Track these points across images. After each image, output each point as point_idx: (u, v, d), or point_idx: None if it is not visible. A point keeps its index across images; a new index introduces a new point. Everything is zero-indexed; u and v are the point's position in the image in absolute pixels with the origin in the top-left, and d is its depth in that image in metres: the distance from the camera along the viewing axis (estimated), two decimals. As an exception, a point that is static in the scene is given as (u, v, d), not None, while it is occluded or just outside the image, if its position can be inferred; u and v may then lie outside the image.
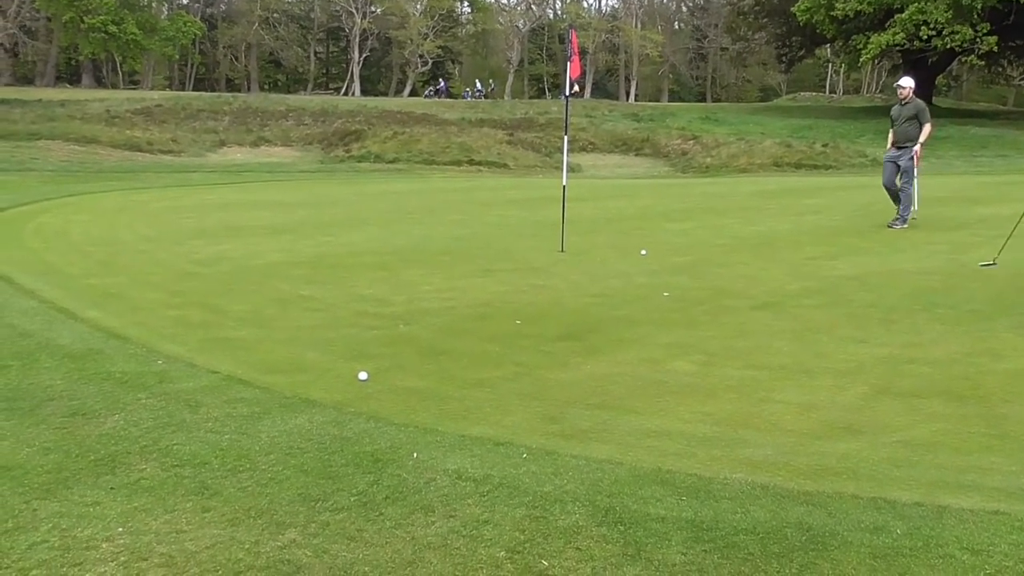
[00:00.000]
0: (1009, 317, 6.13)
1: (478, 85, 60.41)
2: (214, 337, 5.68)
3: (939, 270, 8.12)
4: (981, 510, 3.11)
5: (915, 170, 11.30)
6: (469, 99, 52.59)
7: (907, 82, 11.70)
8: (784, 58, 58.05)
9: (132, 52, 51.52)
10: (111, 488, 3.30)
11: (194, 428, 3.94)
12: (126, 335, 5.66)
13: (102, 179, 20.47)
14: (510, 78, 71.80)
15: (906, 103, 11.44)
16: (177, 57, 62.35)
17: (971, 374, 4.76)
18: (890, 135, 11.71)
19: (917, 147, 11.29)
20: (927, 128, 11.34)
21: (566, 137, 10.72)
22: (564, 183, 10.23)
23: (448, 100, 50.78)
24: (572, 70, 9.84)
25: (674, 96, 74.54)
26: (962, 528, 2.99)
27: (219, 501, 3.19)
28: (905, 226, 11.16)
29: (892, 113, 11.70)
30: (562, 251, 9.33)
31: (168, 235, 10.81)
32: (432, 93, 56.75)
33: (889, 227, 11.15)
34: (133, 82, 66.10)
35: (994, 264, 7.12)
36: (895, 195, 11.50)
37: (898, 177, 11.41)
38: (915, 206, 11.39)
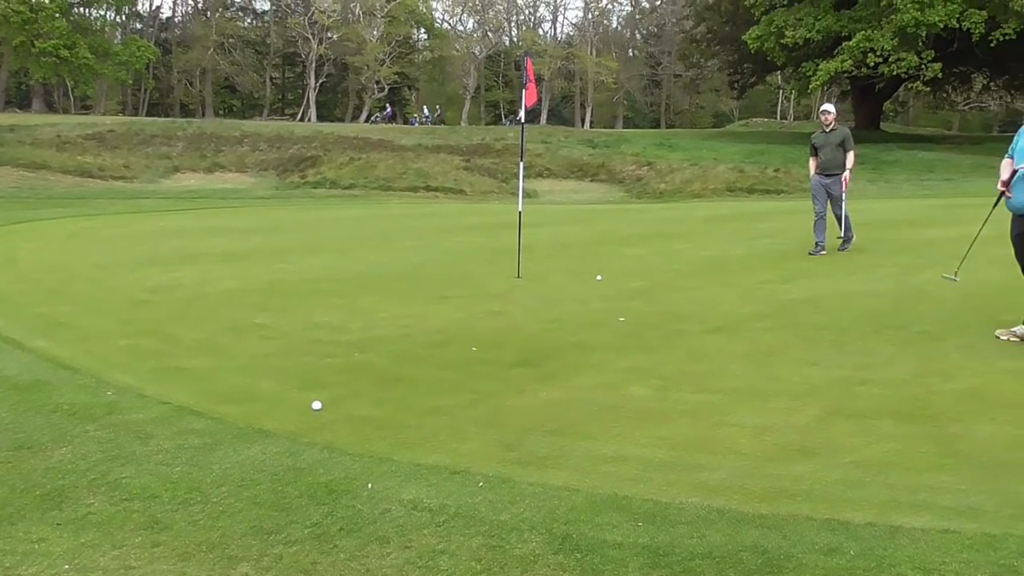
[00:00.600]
0: (957, 338, 6.24)
1: (426, 111, 60.54)
2: (166, 366, 5.60)
3: (889, 292, 8.25)
4: (932, 529, 3.15)
5: (844, 196, 11.34)
6: (417, 125, 52.64)
7: (831, 108, 11.61)
8: (736, 85, 58.94)
9: (84, 77, 50.95)
10: (57, 524, 3.22)
11: (144, 460, 3.87)
12: (75, 365, 5.56)
13: (52, 205, 20.16)
14: (467, 104, 72.11)
15: (831, 130, 11.33)
16: (130, 82, 61.65)
17: (921, 394, 4.83)
18: (812, 162, 11.61)
19: (847, 174, 11.23)
20: (853, 155, 11.30)
21: (522, 163, 10.77)
22: (520, 209, 10.27)
23: (403, 126, 50.76)
24: (528, 97, 9.90)
25: (629, 122, 75.36)
26: (914, 548, 3.02)
27: (169, 535, 3.13)
28: (848, 247, 11.30)
29: (816, 140, 11.53)
30: (519, 277, 9.35)
31: (120, 262, 10.65)
32: (378, 119, 56.64)
33: (840, 250, 11.22)
34: (85, 107, 65.30)
35: (956, 279, 7.27)
36: (824, 223, 11.34)
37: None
38: (849, 232, 11.40)
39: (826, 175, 11.29)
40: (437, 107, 64.87)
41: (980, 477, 3.63)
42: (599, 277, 9.32)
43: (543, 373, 5.41)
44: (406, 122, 58.24)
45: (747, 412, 4.58)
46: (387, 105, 64.46)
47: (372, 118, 58.63)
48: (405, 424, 4.41)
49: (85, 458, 3.89)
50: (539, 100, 68.17)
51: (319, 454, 3.96)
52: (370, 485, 3.58)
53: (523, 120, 10.63)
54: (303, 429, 4.31)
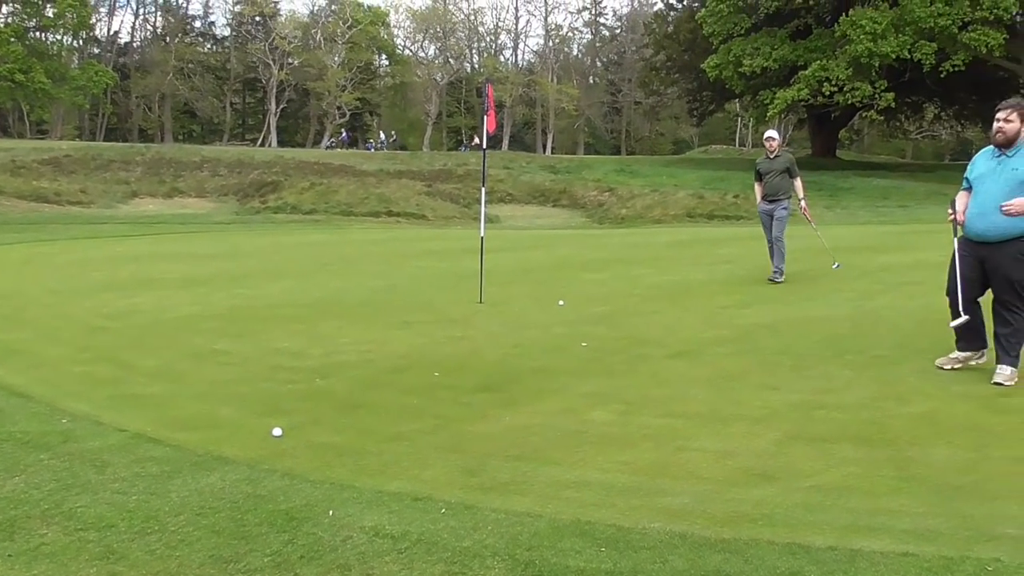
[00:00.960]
0: (913, 362, 6.33)
1: (382, 136, 60.51)
2: (123, 393, 5.51)
3: (847, 317, 8.36)
4: (892, 552, 3.18)
5: (786, 222, 11.20)
6: (373, 150, 52.52)
7: (775, 135, 11.50)
8: (695, 112, 59.74)
9: (40, 101, 50.26)
10: (9, 555, 3.15)
11: (100, 489, 3.80)
12: (29, 393, 5.46)
13: (7, 231, 19.84)
14: (428, 130, 72.32)
15: (775, 156, 11.25)
16: (88, 107, 61.00)
17: (879, 418, 4.89)
18: (757, 188, 11.50)
19: (804, 203, 11.31)
20: (800, 181, 11.25)
21: (484, 189, 10.80)
22: (482, 234, 10.29)
23: (364, 151, 50.66)
24: (489, 124, 9.96)
25: (590, 148, 75.98)
26: (874, 571, 3.04)
27: (125, 566, 3.07)
28: (782, 279, 10.99)
29: (760, 167, 11.42)
30: (481, 302, 9.35)
31: (76, 288, 10.50)
32: (334, 144, 56.48)
33: (770, 281, 11.00)
34: (41, 131, 64.54)
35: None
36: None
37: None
38: (781, 264, 11.10)
39: (769, 201, 11.24)
40: (393, 132, 64.83)
41: (937, 500, 3.67)
42: (561, 302, 9.35)
43: (505, 398, 5.40)
44: (363, 145, 58.09)
45: (709, 437, 4.60)
46: (343, 130, 64.36)
47: (328, 143, 58.42)
48: (366, 450, 4.38)
49: (38, 488, 3.81)
50: (500, 127, 68.59)
51: (279, 481, 3.91)
52: (331, 512, 3.55)
53: (485, 146, 10.68)
54: (263, 456, 4.26)
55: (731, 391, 5.56)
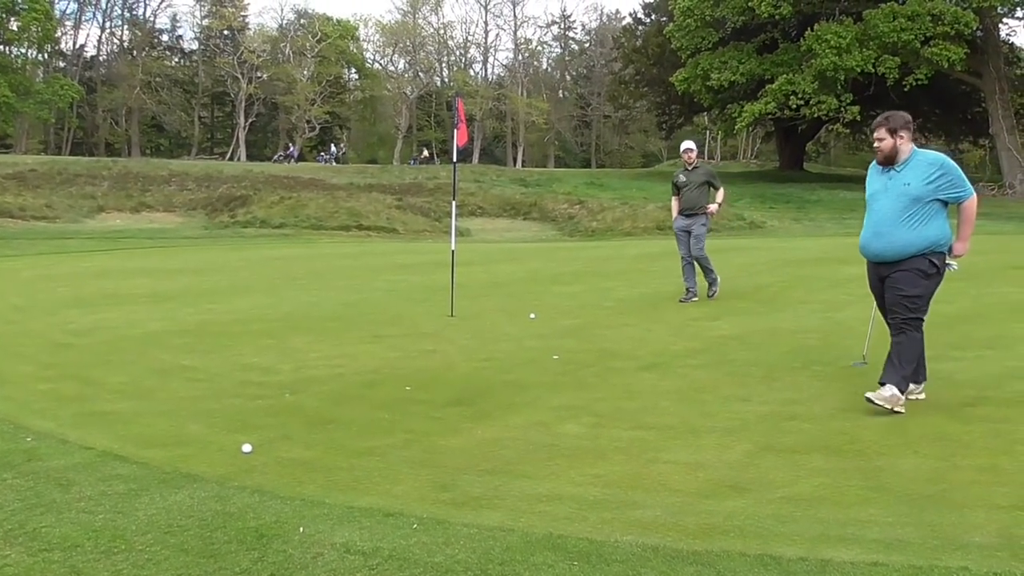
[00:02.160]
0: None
1: (332, 148, 60.10)
2: (89, 411, 5.43)
3: (816, 328, 8.43)
4: (861, 562, 3.19)
5: (705, 239, 10.72)
6: (323, 163, 52.00)
7: (692, 145, 10.94)
8: (664, 125, 60.24)
9: (4, 115, 49.73)
10: (-29, 577, 3.08)
11: (65, 508, 3.74)
12: (-8, 411, 5.36)
13: (-31, 247, 19.55)
14: (399, 144, 72.27)
15: (694, 168, 10.74)
16: (53, 121, 60.40)
17: (848, 429, 4.93)
18: (674, 202, 10.98)
19: (714, 207, 10.69)
20: (722, 192, 10.81)
21: (454, 202, 10.81)
22: (453, 247, 10.28)
23: (336, 165, 50.34)
24: (459, 138, 9.96)
25: (560, 162, 76.29)
26: (844, 581, 3.06)
27: (91, 586, 3.02)
28: (717, 289, 10.78)
29: (678, 180, 10.84)
30: (452, 316, 9.33)
31: (41, 304, 10.36)
32: (281, 158, 55.99)
33: (710, 297, 10.67)
34: (5, 146, 63.73)
35: (865, 363, 6.85)
36: (692, 267, 10.77)
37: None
38: (712, 273, 10.81)
39: (688, 215, 10.72)
40: (342, 144, 64.31)
41: (905, 510, 3.70)
42: (532, 315, 9.36)
43: (477, 412, 5.39)
44: (303, 160, 57.48)
45: (680, 449, 4.61)
46: (289, 144, 63.88)
47: (275, 157, 57.77)
48: (337, 466, 4.34)
49: (1, 508, 3.74)
50: (471, 140, 68.62)
51: (249, 498, 3.87)
52: (301, 529, 3.51)
53: (455, 160, 10.70)
54: (232, 473, 4.21)
55: (702, 403, 5.58)
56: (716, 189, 10.74)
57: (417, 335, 8.26)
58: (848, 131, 49.97)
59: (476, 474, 4.22)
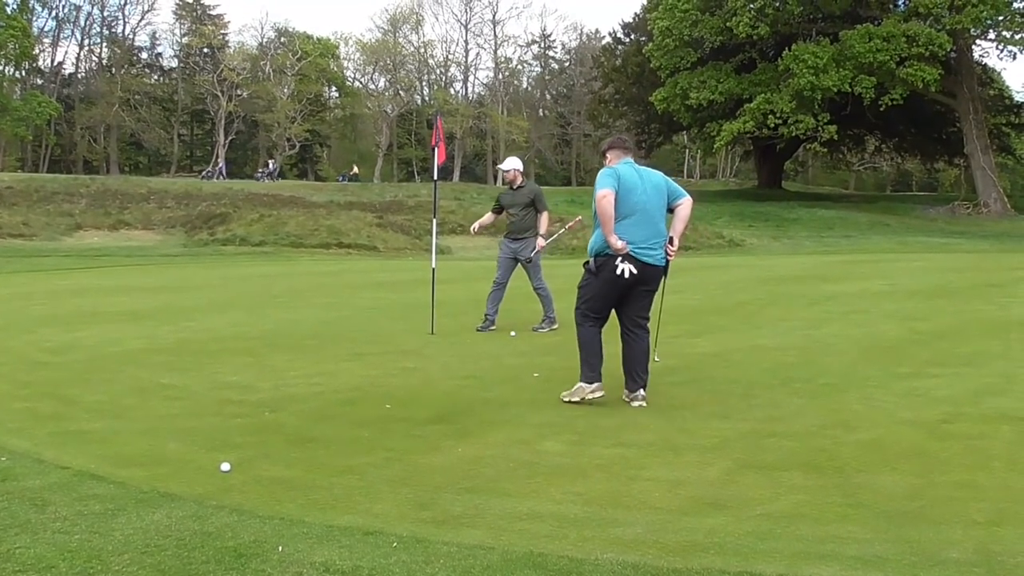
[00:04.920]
0: (859, 389, 6.44)
1: (271, 165, 59.64)
2: (65, 430, 5.38)
3: (795, 345, 8.48)
4: (841, 579, 3.20)
5: (540, 266, 10.06)
6: (261, 180, 50.99)
7: (513, 163, 9.95)
8: (644, 144, 60.45)
9: (-19, 132, 49.46)
10: (-56, 599, 3.04)
11: (40, 529, 3.69)
12: (-34, 431, 5.30)
13: (-56, 264, 19.35)
14: (379, 161, 72.32)
15: (518, 188, 9.84)
16: (31, 138, 60.11)
17: (827, 446, 4.95)
18: (487, 217, 10.44)
19: (542, 241, 9.76)
20: (546, 217, 9.88)
21: (435, 220, 10.80)
22: (434, 265, 10.27)
23: (273, 182, 49.28)
24: (439, 155, 9.97)
25: (540, 180, 76.39)
26: (824, 598, 3.07)
27: (67, 607, 2.98)
28: (556, 326, 9.83)
29: (503, 200, 9.97)
30: (432, 333, 9.32)
31: (16, 323, 10.26)
32: (263, 175, 55.36)
33: (535, 330, 9.79)
34: (-19, 163, 63.23)
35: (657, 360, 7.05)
36: (501, 294, 9.97)
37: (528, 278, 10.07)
38: (551, 309, 10.01)
39: (515, 239, 9.87)
40: (275, 160, 63.74)
41: (883, 527, 3.72)
42: (513, 333, 9.36)
43: (458, 430, 5.38)
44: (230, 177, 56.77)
45: (660, 466, 4.62)
46: (268, 161, 63.44)
47: (204, 173, 56.92)
48: (317, 485, 4.32)
49: (-24, 528, 3.70)
50: (451, 158, 68.75)
51: (227, 517, 3.84)
52: (280, 548, 3.49)
53: (436, 177, 10.71)
54: (210, 492, 4.18)
55: (681, 420, 5.59)
56: (540, 212, 9.85)
57: (397, 353, 8.24)
58: (825, 150, 50.50)
59: (456, 492, 4.21)
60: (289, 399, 6.22)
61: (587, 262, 6.31)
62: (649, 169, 6.43)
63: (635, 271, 6.09)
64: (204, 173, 56.55)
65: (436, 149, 9.98)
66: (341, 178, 59.25)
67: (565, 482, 4.36)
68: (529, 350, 8.34)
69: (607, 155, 6.43)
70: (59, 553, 3.44)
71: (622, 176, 6.15)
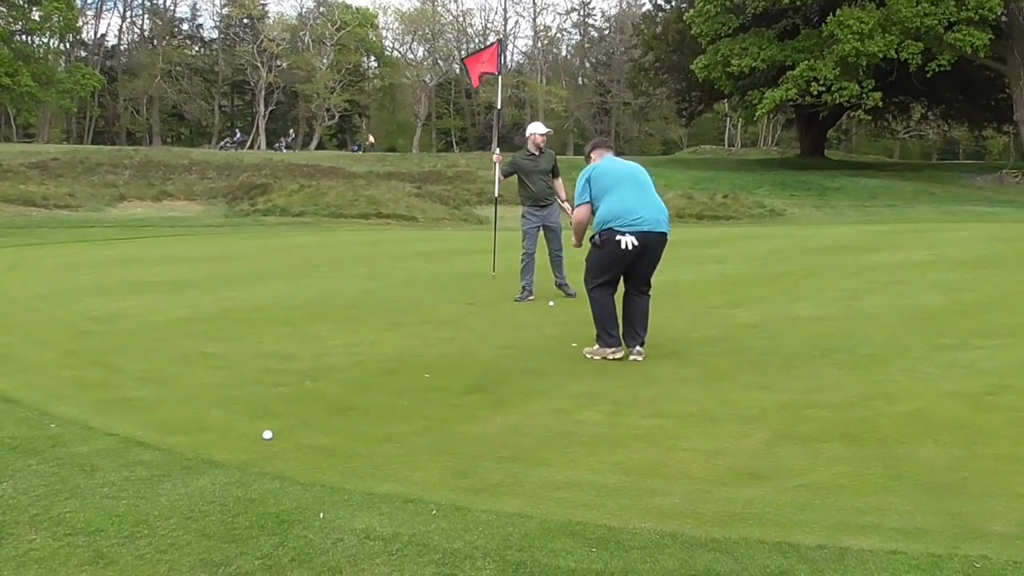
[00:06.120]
0: (901, 360, 6.37)
1: (237, 134, 59.07)
2: (112, 398, 5.49)
3: (836, 316, 8.39)
4: (880, 550, 3.19)
5: (562, 233, 9.75)
6: (225, 149, 50.22)
7: (544, 128, 10.11)
8: (684, 113, 59.86)
9: (27, 105, 50.17)
10: (-2, 561, 3.13)
11: (89, 494, 3.78)
12: (16, 398, 5.43)
13: (-7, 235, 19.74)
14: (418, 132, 72.30)
15: (541, 153, 9.80)
16: (75, 110, 60.85)
17: (868, 417, 4.91)
18: (501, 183, 10.33)
19: (568, 207, 8.67)
20: (561, 182, 9.82)
21: (496, 151, 10.48)
22: (497, 193, 10.25)
23: (240, 151, 48.92)
24: (473, 79, 10.14)
25: (579, 149, 75.91)
26: (863, 569, 3.06)
27: (115, 570, 3.06)
28: (573, 292, 9.56)
29: (524, 166, 9.75)
30: (494, 274, 9.29)
31: (64, 292, 10.46)
32: (229, 144, 54.95)
33: (569, 295, 9.65)
34: (28, 135, 64.31)
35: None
36: (534, 263, 9.78)
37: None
38: (564, 275, 9.83)
39: (541, 206, 9.72)
40: (237, 131, 63.14)
41: (925, 498, 3.69)
42: (552, 303, 9.36)
43: (496, 399, 5.40)
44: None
45: (699, 437, 4.61)
46: (237, 131, 63.18)
47: (223, 144, 56.64)
48: (357, 453, 4.37)
49: (27, 493, 3.79)
50: (487, 128, 68.50)
51: (269, 484, 3.91)
52: (321, 515, 3.54)
53: (500, 107, 10.82)
54: (253, 459, 4.25)
55: (721, 391, 5.57)
56: (556, 177, 9.85)
57: (436, 323, 8.28)
58: (870, 118, 49.64)
59: (495, 461, 4.24)
60: (329, 368, 6.29)
61: (593, 236, 6.60)
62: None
63: (637, 243, 6.37)
64: (223, 144, 56.40)
65: (482, 67, 10.12)
66: (355, 148, 59.02)
67: (603, 452, 4.37)
68: (568, 319, 8.34)
69: (591, 156, 7.00)
70: (107, 517, 3.52)
71: (597, 167, 6.71)
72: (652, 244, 6.50)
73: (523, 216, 9.99)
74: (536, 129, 10.08)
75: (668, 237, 6.62)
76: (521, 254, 9.93)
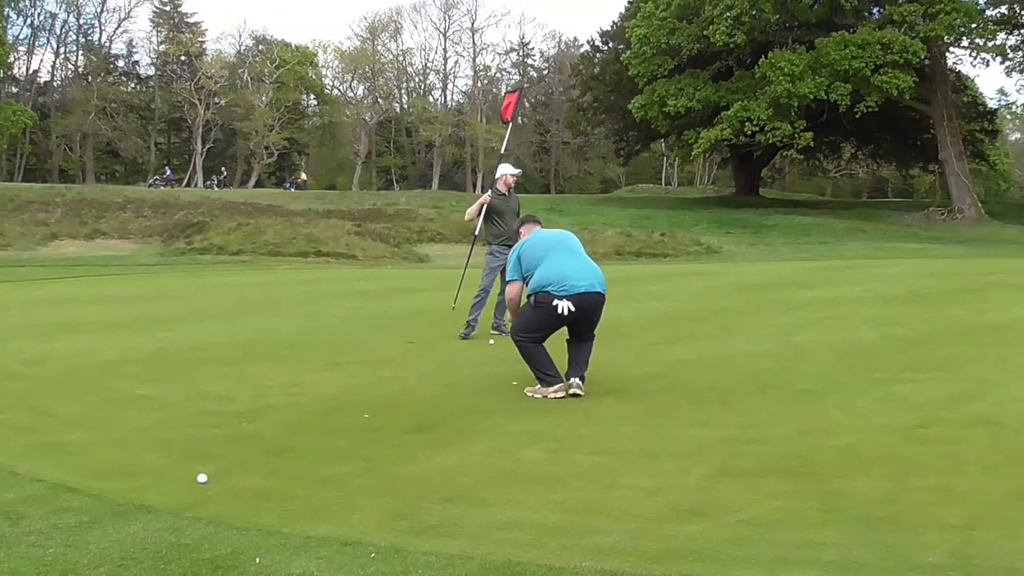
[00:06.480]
0: (836, 394, 6.48)
1: (167, 172, 58.36)
2: (40, 442, 5.32)
3: (772, 352, 8.52)
4: (818, 585, 3.22)
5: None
6: (153, 187, 49.42)
7: (511, 169, 10.15)
8: (622, 152, 60.78)
9: (-45, 141, 48.97)
10: (-84, 615, 3.00)
11: (14, 543, 3.65)
12: (-61, 444, 5.24)
13: (-83, 275, 19.13)
14: (358, 170, 72.19)
15: (511, 194, 10.03)
16: (5, 147, 59.56)
17: (804, 452, 4.98)
18: (480, 222, 10.01)
19: None
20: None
21: (489, 193, 10.11)
22: (476, 231, 10.08)
23: (173, 189, 48.04)
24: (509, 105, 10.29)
25: (520, 188, 75.91)
26: (801, 604, 3.08)
27: (41, 622, 2.95)
28: (473, 332, 9.79)
29: (497, 206, 9.87)
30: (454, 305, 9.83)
31: (-9, 334, 10.15)
32: (158, 182, 53.75)
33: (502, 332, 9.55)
34: (-44, 172, 62.65)
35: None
36: (485, 302, 9.94)
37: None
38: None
39: (508, 245, 9.20)
40: (167, 169, 62.00)
41: (861, 531, 3.74)
42: (492, 341, 9.36)
43: (437, 439, 5.37)
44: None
45: (639, 474, 4.63)
46: (165, 168, 62.37)
47: (151, 182, 55.22)
48: (294, 495, 4.30)
49: (-51, 543, 3.65)
50: (428, 166, 68.60)
51: (204, 529, 3.82)
52: (258, 560, 3.47)
53: (503, 150, 11.08)
54: (187, 504, 4.15)
55: (660, 427, 5.61)
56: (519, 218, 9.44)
57: (376, 361, 8.22)
58: (802, 157, 50.93)
59: (435, 502, 4.20)
60: (267, 409, 6.19)
61: (529, 296, 6.67)
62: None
63: (573, 309, 6.43)
64: (152, 182, 54.93)
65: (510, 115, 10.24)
66: (288, 185, 58.24)
67: (544, 491, 4.36)
68: (508, 357, 8.31)
69: (520, 231, 7.37)
70: (34, 567, 3.40)
71: (525, 243, 6.92)
72: (589, 306, 6.58)
73: (490, 254, 9.95)
74: (507, 170, 10.18)
75: (604, 297, 6.71)
76: (478, 290, 9.95)
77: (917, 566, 3.38)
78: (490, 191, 10.18)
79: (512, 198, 10.09)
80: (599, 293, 6.63)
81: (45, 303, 13.86)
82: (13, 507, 4.09)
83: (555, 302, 6.43)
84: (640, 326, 10.60)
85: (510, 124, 10.99)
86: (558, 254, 6.69)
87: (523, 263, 6.80)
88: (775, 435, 5.36)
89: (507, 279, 6.90)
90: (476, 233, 10.31)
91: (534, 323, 6.62)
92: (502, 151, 10.85)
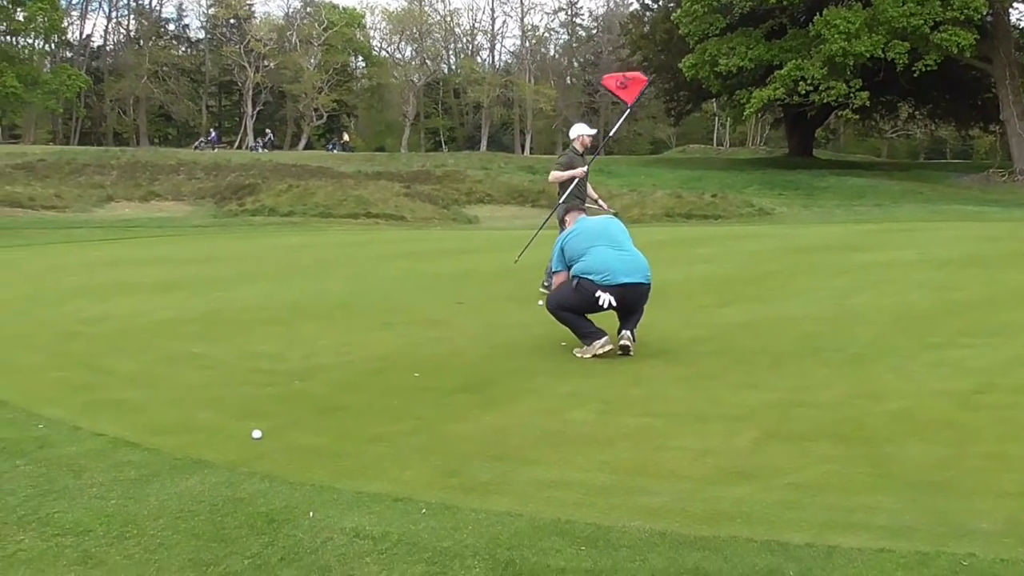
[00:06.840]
0: (889, 359, 6.39)
1: (212, 134, 57.80)
2: (99, 399, 5.47)
3: (824, 315, 8.42)
4: (868, 548, 3.20)
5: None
6: (199, 149, 49.10)
7: (587, 129, 10.08)
8: (673, 112, 59.97)
9: (12, 106, 49.91)
10: (-15, 562, 3.12)
11: (77, 494, 3.77)
12: (3, 399, 5.40)
13: (-21, 236, 19.62)
14: (406, 131, 72.22)
15: (588, 154, 10.00)
16: (61, 111, 60.55)
17: (856, 416, 4.93)
18: (562, 178, 9.85)
19: (605, 204, 9.85)
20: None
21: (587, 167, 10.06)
22: (583, 171, 9.86)
23: (216, 151, 48.15)
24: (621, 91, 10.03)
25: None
26: (851, 567, 3.07)
27: (103, 571, 3.05)
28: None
29: (579, 163, 9.86)
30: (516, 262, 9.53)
31: (50, 294, 10.40)
32: (203, 144, 53.58)
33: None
34: (14, 136, 63.95)
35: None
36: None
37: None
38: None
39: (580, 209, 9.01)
40: (212, 131, 62.29)
41: (912, 497, 3.71)
42: (541, 303, 9.34)
43: (485, 399, 5.41)
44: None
45: (687, 435, 4.63)
46: (211, 130, 62.52)
47: (196, 145, 55.25)
48: (346, 452, 4.37)
49: (14, 494, 3.78)
50: (475, 127, 68.34)
51: (259, 484, 3.90)
52: (311, 514, 3.54)
53: (613, 133, 10.99)
54: (242, 459, 4.24)
55: (709, 390, 5.59)
56: None
57: (425, 322, 8.28)
58: (857, 117, 49.80)
59: (484, 460, 4.24)
60: (318, 368, 6.28)
61: (573, 278, 6.66)
62: None
63: (614, 303, 6.45)
64: (196, 144, 55.28)
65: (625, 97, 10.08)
66: (330, 147, 58.39)
67: (592, 451, 4.37)
68: (556, 320, 8.32)
69: (566, 220, 7.59)
70: (96, 517, 3.51)
71: (569, 235, 6.89)
72: (632, 297, 6.57)
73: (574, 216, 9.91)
74: (584, 131, 10.10)
75: (649, 286, 6.68)
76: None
77: (970, 533, 3.34)
78: (587, 166, 10.07)
79: (587, 159, 10.04)
80: (642, 284, 6.60)
81: (102, 264, 14.14)
82: (75, 460, 4.22)
83: (597, 293, 6.43)
84: (689, 289, 10.52)
85: (629, 109, 10.67)
86: (602, 245, 6.66)
87: (567, 255, 6.79)
88: (826, 399, 5.32)
89: (552, 270, 6.97)
90: (562, 200, 10.08)
91: (571, 303, 6.64)
92: (611, 134, 10.76)
